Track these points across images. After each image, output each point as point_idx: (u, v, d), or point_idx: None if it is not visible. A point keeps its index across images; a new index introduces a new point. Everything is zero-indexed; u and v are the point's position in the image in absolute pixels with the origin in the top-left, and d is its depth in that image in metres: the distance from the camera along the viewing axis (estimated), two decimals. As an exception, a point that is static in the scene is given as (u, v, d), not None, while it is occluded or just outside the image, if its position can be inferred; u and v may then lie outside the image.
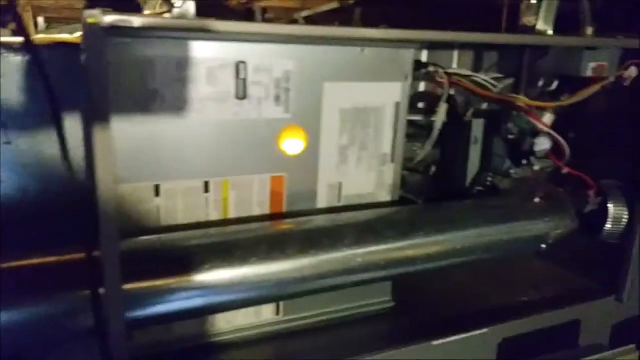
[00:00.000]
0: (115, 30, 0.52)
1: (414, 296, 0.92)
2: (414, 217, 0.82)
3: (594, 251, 0.99)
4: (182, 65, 0.66)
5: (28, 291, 0.56)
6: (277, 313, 0.82)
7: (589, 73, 0.85)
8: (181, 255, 0.64)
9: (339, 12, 1.70)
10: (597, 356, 0.97)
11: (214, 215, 0.74)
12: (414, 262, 0.77)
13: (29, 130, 0.68)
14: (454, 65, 0.95)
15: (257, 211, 0.76)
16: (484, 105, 0.94)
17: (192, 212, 0.72)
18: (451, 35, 0.72)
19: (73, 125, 0.68)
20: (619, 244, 0.94)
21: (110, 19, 0.50)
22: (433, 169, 0.97)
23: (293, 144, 0.76)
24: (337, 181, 0.81)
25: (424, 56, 0.92)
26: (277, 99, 0.73)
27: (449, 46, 0.94)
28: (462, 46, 0.94)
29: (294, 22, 1.89)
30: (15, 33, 0.71)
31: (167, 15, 0.66)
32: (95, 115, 0.50)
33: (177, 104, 0.67)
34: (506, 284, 1.01)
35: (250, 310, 0.79)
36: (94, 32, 0.49)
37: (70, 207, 0.64)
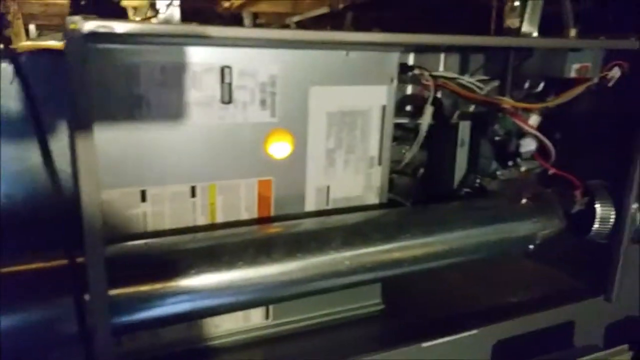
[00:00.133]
0: (97, 36, 0.52)
1: (404, 298, 0.92)
2: (402, 219, 0.82)
3: (583, 251, 1.00)
4: (167, 70, 0.66)
5: (11, 298, 0.56)
6: (267, 317, 0.82)
7: (572, 74, 0.86)
8: (167, 260, 0.64)
9: (330, 17, 1.71)
10: (588, 357, 0.97)
11: (201, 220, 0.74)
12: (401, 264, 0.77)
13: (14, 137, 0.67)
14: (441, 67, 0.95)
15: (244, 215, 0.76)
16: (471, 108, 0.95)
17: (179, 217, 0.72)
18: (434, 39, 0.72)
19: (62, 131, 0.68)
20: (607, 244, 0.94)
21: (91, 25, 0.50)
22: (421, 171, 0.98)
23: (280, 148, 0.76)
24: (324, 184, 0.81)
25: (411, 59, 0.93)
26: (263, 103, 0.73)
27: (435, 49, 0.95)
28: (449, 49, 0.95)
29: (286, 26, 1.90)
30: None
31: (154, 20, 0.66)
32: (77, 122, 0.50)
33: (163, 109, 0.67)
34: (496, 284, 1.01)
35: (239, 314, 0.79)
36: (74, 38, 0.49)
37: (57, 214, 0.64)
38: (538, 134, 0.88)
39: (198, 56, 0.68)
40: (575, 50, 0.86)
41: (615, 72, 0.87)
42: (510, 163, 0.89)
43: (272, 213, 0.78)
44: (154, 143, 0.68)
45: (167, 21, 0.63)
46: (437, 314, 0.91)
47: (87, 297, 0.57)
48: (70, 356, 0.61)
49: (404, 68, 0.86)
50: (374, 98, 0.81)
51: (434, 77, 0.87)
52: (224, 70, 0.69)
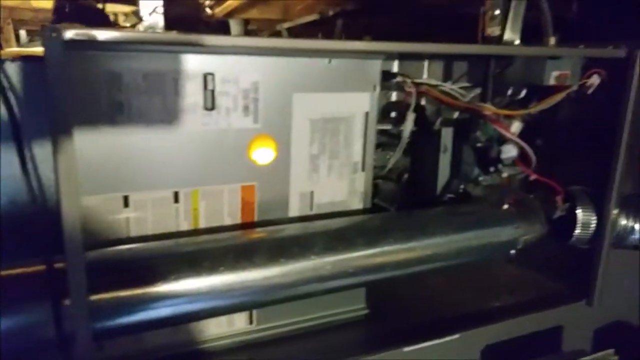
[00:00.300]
0: (78, 43, 0.53)
1: (388, 303, 0.93)
2: (385, 224, 0.83)
3: (566, 256, 1.01)
4: (150, 76, 0.67)
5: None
6: (250, 322, 0.82)
7: (552, 82, 0.87)
8: (148, 265, 0.64)
9: (321, 24, 1.72)
10: (574, 361, 0.98)
11: (185, 226, 0.74)
12: (384, 268, 0.78)
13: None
14: (425, 75, 0.97)
15: (228, 221, 0.77)
16: (454, 114, 0.96)
17: (162, 222, 0.72)
18: (415, 47, 0.73)
19: (46, 137, 0.68)
20: (589, 249, 0.96)
21: (71, 33, 0.50)
22: (406, 176, 0.99)
23: (263, 154, 0.77)
24: (308, 190, 0.82)
25: (395, 66, 0.94)
26: (246, 109, 0.74)
27: (419, 56, 0.96)
28: (432, 56, 0.97)
29: (277, 33, 1.91)
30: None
31: (140, 27, 0.67)
32: (56, 128, 0.51)
33: (146, 115, 0.68)
34: (479, 289, 1.02)
35: (223, 319, 0.79)
36: (54, 45, 0.50)
37: (38, 220, 0.64)
38: (518, 140, 0.89)
39: (181, 63, 0.68)
40: (554, 58, 0.87)
41: (595, 80, 0.89)
42: (492, 169, 0.90)
43: (256, 218, 0.78)
44: (138, 149, 0.68)
45: (150, 28, 0.64)
46: (421, 318, 0.92)
47: (67, 302, 0.57)
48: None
49: (387, 75, 0.87)
50: (357, 105, 0.82)
51: (417, 84, 0.88)
52: (206, 77, 0.70)
